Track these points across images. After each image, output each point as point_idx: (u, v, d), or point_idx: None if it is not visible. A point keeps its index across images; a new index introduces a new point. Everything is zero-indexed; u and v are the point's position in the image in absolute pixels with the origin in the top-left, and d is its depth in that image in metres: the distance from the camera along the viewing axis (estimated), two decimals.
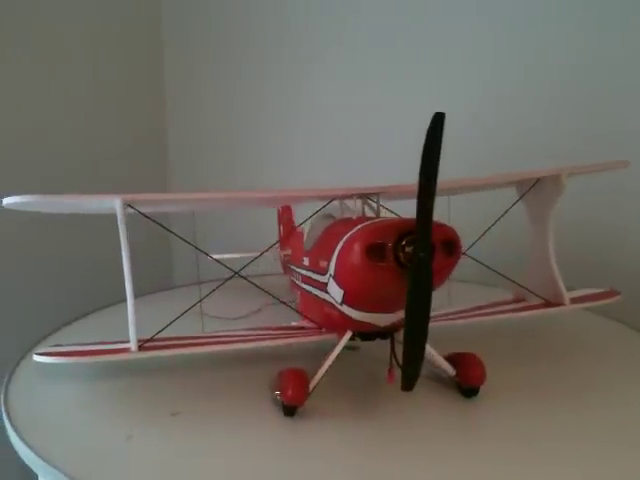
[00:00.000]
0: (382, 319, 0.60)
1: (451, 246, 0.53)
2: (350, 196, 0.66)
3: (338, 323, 0.64)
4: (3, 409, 0.64)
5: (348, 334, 0.63)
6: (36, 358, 0.63)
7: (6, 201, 0.60)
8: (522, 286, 0.76)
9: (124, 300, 0.63)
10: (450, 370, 0.65)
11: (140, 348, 0.63)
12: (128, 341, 0.62)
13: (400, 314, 0.59)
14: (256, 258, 0.69)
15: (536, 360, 0.74)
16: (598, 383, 0.68)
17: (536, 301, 0.77)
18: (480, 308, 0.76)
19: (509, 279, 0.76)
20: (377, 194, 0.67)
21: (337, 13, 1.30)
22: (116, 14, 1.30)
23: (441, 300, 0.73)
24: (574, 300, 0.75)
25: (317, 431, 0.59)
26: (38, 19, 1.13)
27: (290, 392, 0.59)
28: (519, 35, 1.15)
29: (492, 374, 0.64)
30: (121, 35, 1.33)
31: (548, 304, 0.75)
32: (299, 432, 0.58)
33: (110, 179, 1.19)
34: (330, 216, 0.70)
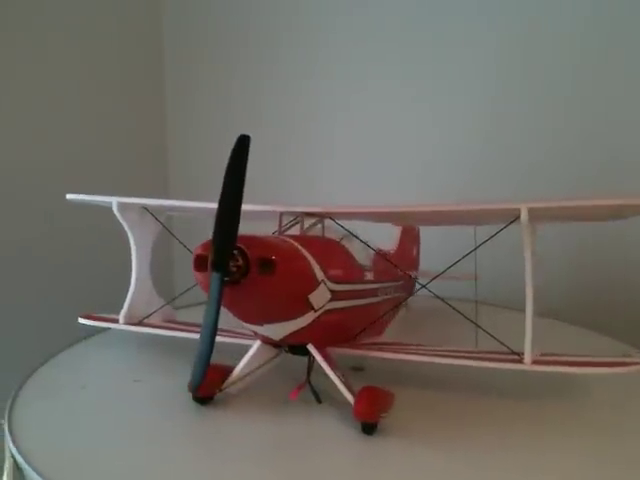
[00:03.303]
0: (264, 330, 0.63)
1: (265, 265, 0.54)
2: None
3: None
4: None
5: (257, 343, 0.67)
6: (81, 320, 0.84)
7: (69, 196, 0.82)
8: (485, 330, 0.66)
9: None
10: (351, 400, 0.63)
11: (126, 323, 0.80)
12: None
13: (278, 328, 0.61)
14: None
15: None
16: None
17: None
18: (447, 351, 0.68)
19: (472, 322, 0.67)
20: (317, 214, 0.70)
21: (338, 15, 1.26)
22: (116, 14, 1.34)
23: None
24: (539, 362, 0.62)
25: (229, 421, 0.64)
26: (36, 19, 1.17)
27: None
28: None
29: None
30: (122, 35, 1.36)
31: (519, 359, 0.64)
32: (213, 420, 0.64)
33: (112, 180, 1.25)
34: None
